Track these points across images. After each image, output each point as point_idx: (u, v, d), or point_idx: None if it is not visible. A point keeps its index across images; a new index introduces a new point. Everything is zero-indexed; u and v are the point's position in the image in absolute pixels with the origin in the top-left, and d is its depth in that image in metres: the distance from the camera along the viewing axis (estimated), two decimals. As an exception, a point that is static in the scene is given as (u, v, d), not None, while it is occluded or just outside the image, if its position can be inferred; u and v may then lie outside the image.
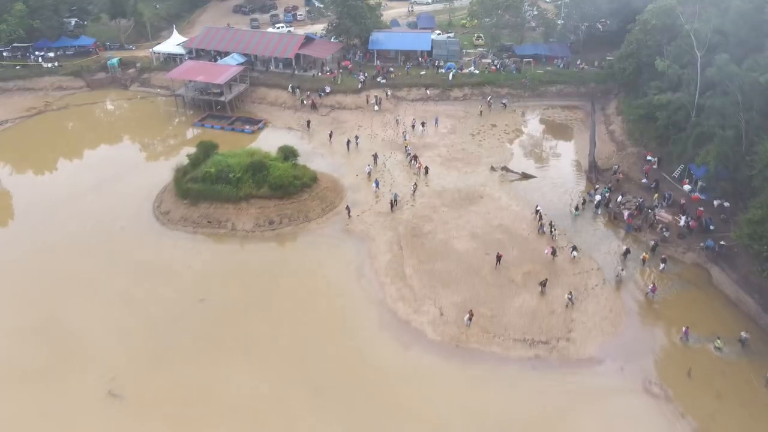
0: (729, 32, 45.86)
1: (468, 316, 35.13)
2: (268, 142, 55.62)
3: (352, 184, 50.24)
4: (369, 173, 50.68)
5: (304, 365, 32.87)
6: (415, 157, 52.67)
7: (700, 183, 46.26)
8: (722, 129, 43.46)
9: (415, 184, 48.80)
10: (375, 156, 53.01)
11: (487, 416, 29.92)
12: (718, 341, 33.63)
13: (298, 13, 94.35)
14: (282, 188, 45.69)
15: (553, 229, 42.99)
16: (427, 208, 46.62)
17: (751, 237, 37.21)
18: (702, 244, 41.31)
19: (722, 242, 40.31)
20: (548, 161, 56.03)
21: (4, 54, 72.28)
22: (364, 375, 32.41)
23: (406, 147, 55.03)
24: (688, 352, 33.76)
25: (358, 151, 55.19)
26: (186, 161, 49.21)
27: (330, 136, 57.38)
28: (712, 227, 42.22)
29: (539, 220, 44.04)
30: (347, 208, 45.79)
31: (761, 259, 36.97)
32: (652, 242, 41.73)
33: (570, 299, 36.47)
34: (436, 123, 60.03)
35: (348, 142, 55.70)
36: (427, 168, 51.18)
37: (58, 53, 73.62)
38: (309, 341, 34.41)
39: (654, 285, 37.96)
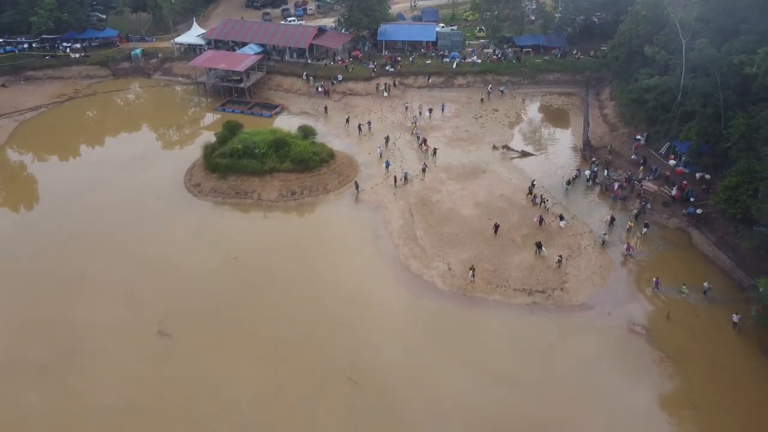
0: (710, 20, 50.29)
1: (471, 272, 39.55)
2: (285, 125, 59.95)
3: (365, 161, 54.64)
4: (380, 154, 54.83)
5: (327, 307, 37.28)
6: (425, 140, 56.89)
7: (684, 158, 50.69)
8: (703, 107, 47.93)
9: (425, 164, 52.85)
10: (387, 138, 57.27)
11: (489, 349, 34.33)
12: (684, 287, 38.14)
13: (308, 8, 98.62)
14: (302, 163, 50.15)
15: (545, 201, 47.31)
16: (435, 181, 51.03)
17: (727, 201, 41.75)
18: (684, 211, 45.79)
19: (699, 210, 44.73)
20: (546, 141, 60.38)
21: (34, 45, 76.73)
22: (379, 315, 36.84)
23: (413, 130, 59.29)
24: (668, 299, 38.15)
25: (370, 134, 59.50)
26: (213, 140, 53.80)
27: (347, 120, 61.38)
28: (692, 199, 46.59)
29: (531, 194, 48.29)
30: (356, 183, 50.01)
31: (735, 221, 41.54)
32: (635, 211, 46.16)
33: (559, 260, 40.78)
34: (443, 109, 64.17)
35: (359, 126, 59.88)
36: (435, 149, 55.43)
37: (84, 44, 78.11)
38: (331, 290, 38.79)
39: (629, 245, 42.23)
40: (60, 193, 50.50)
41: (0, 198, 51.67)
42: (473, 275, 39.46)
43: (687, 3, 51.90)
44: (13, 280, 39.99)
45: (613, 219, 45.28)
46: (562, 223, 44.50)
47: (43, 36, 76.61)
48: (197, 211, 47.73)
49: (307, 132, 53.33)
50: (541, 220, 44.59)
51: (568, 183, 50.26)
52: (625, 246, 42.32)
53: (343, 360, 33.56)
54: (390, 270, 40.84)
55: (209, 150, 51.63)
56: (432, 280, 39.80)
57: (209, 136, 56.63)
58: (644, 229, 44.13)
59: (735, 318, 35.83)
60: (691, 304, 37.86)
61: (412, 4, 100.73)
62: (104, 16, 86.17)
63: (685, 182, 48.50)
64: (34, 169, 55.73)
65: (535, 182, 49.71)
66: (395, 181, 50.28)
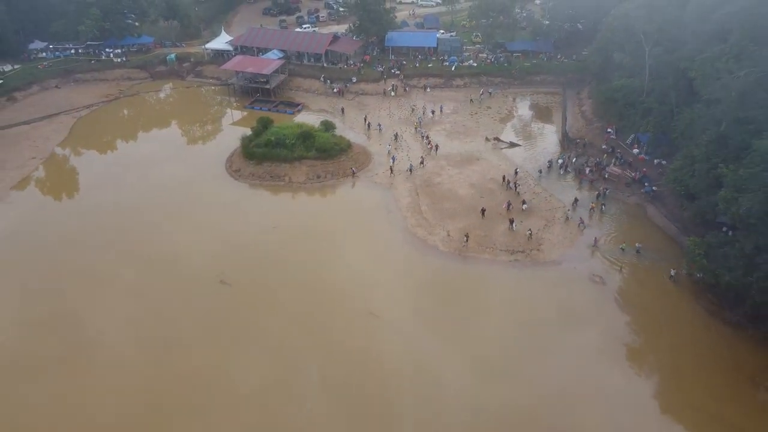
0: (667, 30, 60.01)
1: (465, 238, 49.22)
2: (307, 120, 69.63)
3: (377, 151, 64.33)
4: (389, 152, 63.69)
5: (349, 261, 46.95)
6: (428, 137, 66.34)
7: (645, 147, 60.41)
8: (660, 105, 57.79)
9: (422, 158, 61.85)
10: (396, 135, 66.63)
11: (478, 290, 44.08)
12: (623, 245, 48.01)
13: (320, 15, 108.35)
14: (325, 151, 59.91)
15: (517, 186, 56.63)
16: (436, 167, 60.71)
17: (674, 181, 51.44)
18: (642, 190, 55.54)
19: (655, 188, 54.53)
20: (532, 134, 69.98)
21: (80, 51, 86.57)
22: (392, 268, 46.55)
23: (416, 128, 68.65)
24: (621, 257, 47.80)
25: (380, 131, 68.97)
26: (248, 133, 63.56)
27: (365, 119, 70.10)
28: (646, 183, 56.22)
29: (506, 181, 57.57)
30: (352, 170, 59.27)
31: (681, 197, 51.21)
32: (597, 192, 55.67)
33: (530, 233, 50.16)
34: (441, 109, 73.36)
35: (369, 124, 69.03)
36: (437, 145, 64.74)
37: (124, 50, 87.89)
38: (353, 250, 48.43)
39: (581, 219, 51.34)
40: (121, 176, 60.07)
41: (76, 176, 61.32)
42: (467, 240, 49.14)
43: (649, 17, 61.62)
44: (113, 225, 49.68)
45: (576, 200, 54.54)
46: (524, 206, 53.51)
47: (89, 43, 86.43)
48: (239, 191, 57.52)
49: (328, 126, 63.13)
50: (509, 205, 53.77)
51: (540, 171, 59.57)
52: (579, 219, 51.69)
53: (364, 299, 43.25)
54: (400, 236, 50.56)
55: (247, 141, 61.37)
56: (434, 243, 49.50)
57: (242, 130, 66.53)
58: (603, 206, 53.71)
59: (672, 272, 45.45)
60: (640, 261, 47.52)
61: (411, 12, 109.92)
62: (137, 24, 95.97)
63: (645, 168, 58.21)
64: (94, 157, 65.50)
65: (518, 169, 59.37)
66: (406, 168, 59.75)
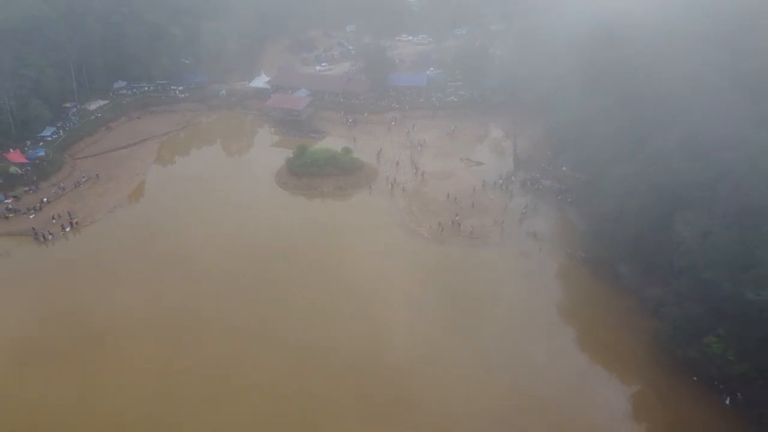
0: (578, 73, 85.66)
1: (441, 229, 74.84)
2: (329, 145, 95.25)
3: (382, 170, 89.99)
4: (389, 176, 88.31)
5: (361, 243, 71.74)
6: (416, 166, 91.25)
7: (571, 166, 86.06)
8: (576, 135, 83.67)
9: (414, 176, 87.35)
10: (397, 162, 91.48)
11: (449, 261, 69.49)
12: (535, 231, 73.37)
13: (334, 54, 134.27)
14: (346, 169, 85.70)
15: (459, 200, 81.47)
16: (424, 181, 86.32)
17: (584, 188, 77.04)
18: (567, 198, 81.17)
19: (570, 198, 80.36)
20: (494, 155, 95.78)
21: (151, 88, 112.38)
22: (391, 248, 72.01)
23: (411, 158, 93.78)
24: (542, 243, 73.30)
25: (384, 155, 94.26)
26: (288, 154, 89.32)
27: (377, 153, 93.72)
28: (566, 192, 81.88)
29: (475, 190, 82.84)
30: (369, 185, 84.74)
31: (589, 199, 76.67)
32: (532, 198, 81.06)
33: (471, 231, 75.19)
34: (425, 142, 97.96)
35: (379, 151, 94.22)
36: (423, 173, 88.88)
37: (185, 86, 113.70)
38: (364, 236, 73.51)
39: (520, 216, 76.74)
40: (201, 185, 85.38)
41: (169, 185, 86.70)
42: (442, 230, 74.83)
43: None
44: (198, 217, 75.04)
45: (506, 205, 79.58)
46: (457, 217, 77.15)
47: (158, 82, 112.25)
48: (286, 197, 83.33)
49: (347, 151, 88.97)
50: (455, 218, 77.96)
51: (483, 185, 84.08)
52: (518, 216, 77.30)
53: (372, 268, 68.48)
54: (398, 226, 76.08)
55: (291, 162, 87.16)
56: (421, 232, 74.99)
57: (282, 151, 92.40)
58: (534, 207, 79.18)
59: (568, 251, 70.79)
60: (553, 245, 73.03)
61: (399, 59, 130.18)
62: (187, 62, 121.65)
63: (567, 181, 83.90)
64: (178, 171, 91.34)
65: (485, 181, 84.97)
66: (402, 184, 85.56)
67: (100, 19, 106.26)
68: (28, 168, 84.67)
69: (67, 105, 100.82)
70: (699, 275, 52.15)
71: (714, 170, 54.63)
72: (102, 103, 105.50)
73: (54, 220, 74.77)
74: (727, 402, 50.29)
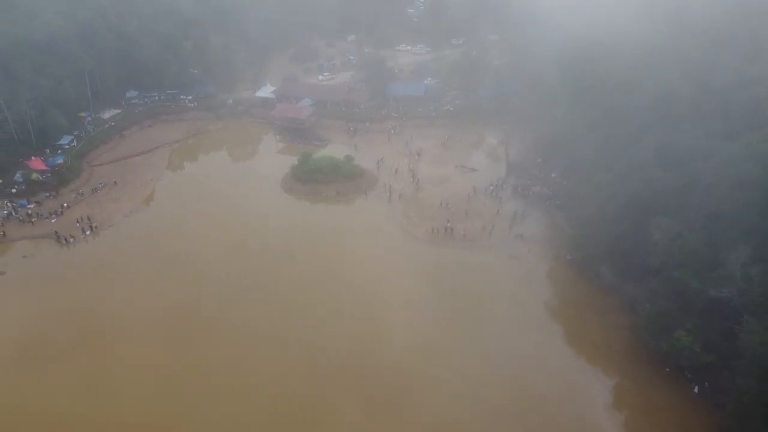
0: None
1: (436, 231, 79.87)
2: (331, 152, 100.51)
3: (382, 176, 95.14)
4: (387, 184, 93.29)
5: (362, 244, 77.11)
6: (413, 174, 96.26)
7: (560, 172, 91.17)
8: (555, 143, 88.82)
9: (402, 190, 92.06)
10: (396, 170, 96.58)
11: (444, 263, 74.48)
12: (518, 234, 78.55)
13: (335, 63, 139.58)
14: (348, 176, 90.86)
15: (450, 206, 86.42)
16: (420, 187, 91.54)
17: (570, 194, 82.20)
18: (556, 202, 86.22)
19: (558, 202, 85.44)
20: (488, 161, 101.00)
21: (161, 97, 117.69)
22: (390, 249, 77.08)
23: (409, 166, 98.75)
24: (531, 246, 78.39)
25: (384, 163, 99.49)
26: (293, 161, 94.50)
27: (377, 163, 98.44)
28: (554, 197, 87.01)
29: (468, 196, 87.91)
30: (365, 191, 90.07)
31: (574, 204, 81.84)
32: (522, 203, 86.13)
33: (464, 235, 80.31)
34: (419, 155, 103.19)
35: (380, 160, 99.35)
36: (420, 179, 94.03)
37: (194, 96, 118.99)
38: (365, 239, 78.63)
39: (511, 220, 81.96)
40: (208, 192, 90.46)
41: (182, 190, 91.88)
42: (437, 234, 79.89)
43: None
44: (203, 216, 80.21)
45: (498, 210, 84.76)
46: (448, 224, 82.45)
47: (168, 91, 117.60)
48: (291, 201, 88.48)
49: (349, 158, 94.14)
50: (447, 224, 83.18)
51: (474, 191, 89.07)
52: (509, 221, 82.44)
53: (372, 269, 73.35)
54: (396, 230, 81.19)
55: (296, 167, 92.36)
56: (418, 235, 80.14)
57: (287, 158, 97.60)
58: (524, 212, 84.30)
59: (559, 255, 76.01)
60: (542, 248, 77.98)
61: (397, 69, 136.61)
62: (196, 71, 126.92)
63: (555, 187, 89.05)
64: (189, 177, 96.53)
65: (475, 188, 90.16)
66: (399, 191, 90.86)
67: (113, 31, 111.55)
68: (49, 175, 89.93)
69: (83, 114, 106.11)
70: (670, 274, 57.27)
71: (685, 179, 59.76)
72: (115, 112, 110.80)
73: (78, 224, 79.96)
74: (696, 390, 55.29)
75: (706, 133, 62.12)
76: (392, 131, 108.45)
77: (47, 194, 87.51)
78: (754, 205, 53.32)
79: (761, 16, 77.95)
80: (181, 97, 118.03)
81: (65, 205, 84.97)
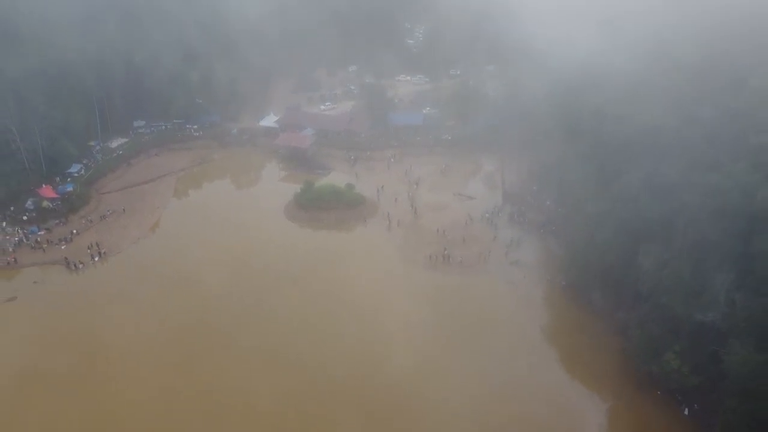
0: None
1: (435, 258, 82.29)
2: (333, 180, 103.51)
3: (382, 204, 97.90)
4: (387, 214, 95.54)
5: (363, 269, 79.50)
6: (413, 204, 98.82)
7: (551, 198, 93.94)
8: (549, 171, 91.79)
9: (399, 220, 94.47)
10: (396, 198, 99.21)
11: (442, 288, 76.62)
12: (514, 260, 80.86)
13: (336, 93, 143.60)
14: (349, 204, 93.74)
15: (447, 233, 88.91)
16: (419, 213, 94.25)
17: (563, 222, 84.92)
18: (550, 227, 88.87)
19: (553, 227, 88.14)
20: (485, 189, 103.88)
21: (168, 126, 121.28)
22: (389, 275, 79.40)
23: (409, 194, 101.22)
24: (526, 271, 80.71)
25: (384, 191, 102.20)
26: (296, 189, 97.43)
27: (378, 191, 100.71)
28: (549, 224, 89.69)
29: (465, 222, 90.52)
30: (365, 219, 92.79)
31: (568, 231, 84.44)
32: (517, 230, 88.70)
33: (461, 261, 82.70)
34: (417, 184, 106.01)
35: (380, 188, 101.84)
36: (417, 208, 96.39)
37: (199, 125, 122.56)
38: (363, 265, 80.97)
39: (507, 248, 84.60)
40: (213, 219, 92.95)
41: (187, 217, 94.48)
42: (435, 260, 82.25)
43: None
44: (214, 238, 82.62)
45: (495, 237, 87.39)
46: (446, 251, 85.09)
47: (174, 120, 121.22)
48: (294, 228, 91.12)
49: (350, 186, 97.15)
50: (444, 251, 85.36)
51: (471, 219, 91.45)
52: (505, 248, 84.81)
53: (373, 293, 75.53)
54: (395, 255, 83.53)
55: (299, 195, 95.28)
56: (416, 260, 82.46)
57: (290, 186, 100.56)
58: (519, 239, 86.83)
59: (549, 278, 78.10)
60: (537, 273, 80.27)
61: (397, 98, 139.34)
62: (201, 101, 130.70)
63: (549, 214, 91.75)
64: (194, 204, 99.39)
65: (470, 216, 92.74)
66: (397, 223, 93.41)
67: (122, 61, 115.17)
68: (59, 202, 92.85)
69: (92, 143, 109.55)
70: (658, 300, 59.57)
71: (671, 208, 62.31)
72: (122, 140, 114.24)
73: (89, 250, 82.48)
74: (686, 412, 57.15)
75: (691, 163, 64.81)
76: (392, 160, 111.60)
77: (57, 221, 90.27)
78: (737, 233, 55.78)
79: (741, 41, 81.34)
80: (187, 126, 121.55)
81: (74, 231, 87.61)
